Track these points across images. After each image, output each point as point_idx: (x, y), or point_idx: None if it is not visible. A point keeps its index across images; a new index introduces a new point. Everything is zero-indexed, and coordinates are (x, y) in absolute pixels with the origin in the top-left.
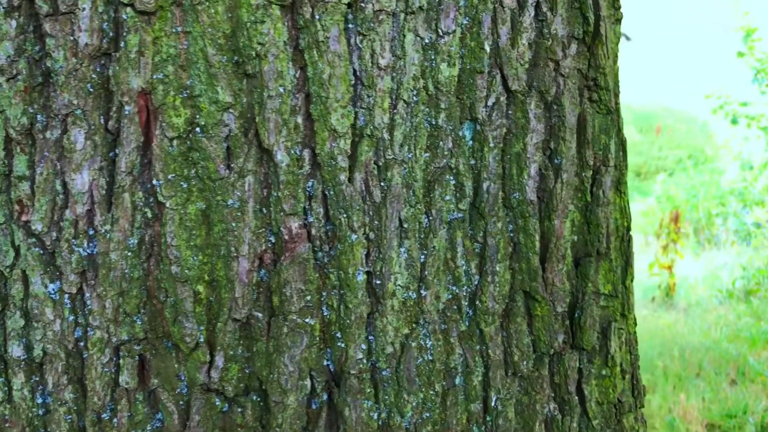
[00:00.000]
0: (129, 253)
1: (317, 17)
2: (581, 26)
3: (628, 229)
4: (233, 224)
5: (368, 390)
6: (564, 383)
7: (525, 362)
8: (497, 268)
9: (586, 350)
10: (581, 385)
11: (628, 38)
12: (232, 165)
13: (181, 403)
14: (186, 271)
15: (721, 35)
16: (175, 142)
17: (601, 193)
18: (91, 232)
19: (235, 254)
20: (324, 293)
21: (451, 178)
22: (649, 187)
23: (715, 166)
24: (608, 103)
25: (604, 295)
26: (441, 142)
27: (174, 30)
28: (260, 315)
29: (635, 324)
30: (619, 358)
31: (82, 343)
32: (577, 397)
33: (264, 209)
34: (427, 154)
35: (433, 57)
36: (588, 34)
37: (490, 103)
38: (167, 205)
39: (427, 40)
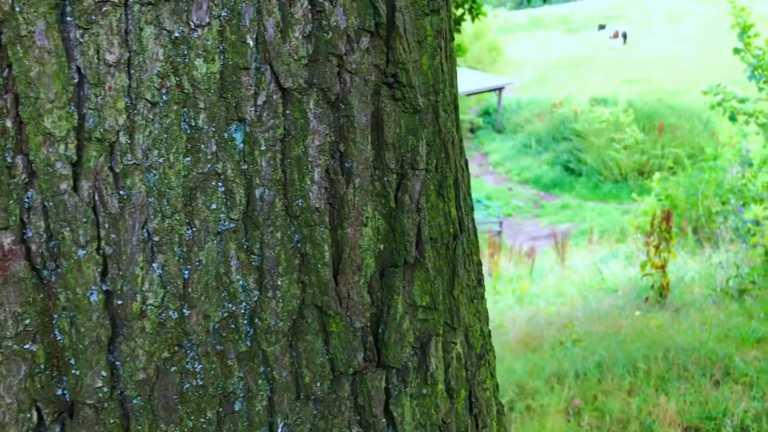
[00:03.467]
0: None
1: (17, 9)
2: (372, 17)
3: (456, 235)
4: None
5: (111, 421)
6: (368, 405)
7: (319, 384)
8: (279, 282)
9: (395, 368)
10: (389, 406)
11: (625, 40)
12: None
13: None
14: None
15: (725, 31)
16: None
17: (407, 199)
18: None
19: None
20: (55, 316)
21: (219, 184)
22: (650, 185)
23: (717, 163)
24: (414, 101)
25: (422, 308)
26: (203, 146)
27: None
28: None
29: (483, 336)
30: (442, 376)
31: None
32: (385, 420)
33: None
34: (188, 159)
35: (186, 52)
36: (381, 27)
37: (260, 102)
38: None
39: (177, 34)
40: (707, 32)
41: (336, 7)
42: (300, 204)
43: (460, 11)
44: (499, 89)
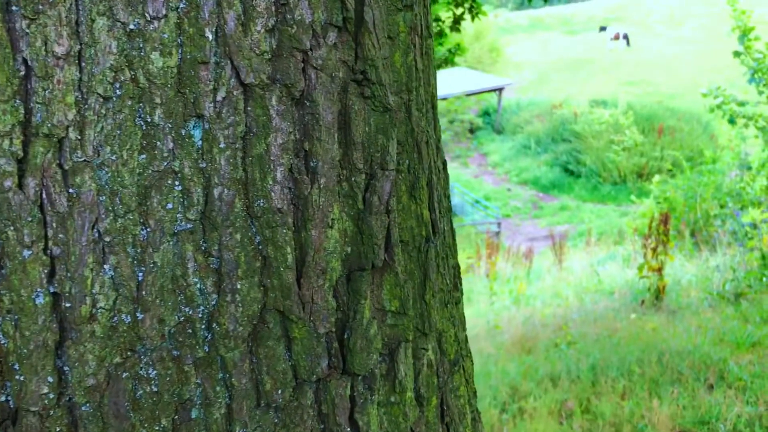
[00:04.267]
0: None
1: None
2: (340, 12)
3: (428, 238)
4: None
5: (57, 429)
6: (332, 413)
7: (280, 391)
8: (238, 286)
9: (361, 375)
10: (355, 414)
11: (628, 42)
12: None
13: None
14: None
15: (725, 34)
16: None
17: (376, 200)
18: None
19: None
20: None
21: (176, 183)
22: (649, 187)
23: (716, 166)
24: (384, 99)
25: (391, 313)
26: (159, 142)
27: None
28: None
29: (458, 342)
30: (411, 383)
31: None
32: (349, 429)
33: None
34: (143, 156)
35: (141, 45)
36: (349, 21)
37: (219, 98)
38: None
39: (132, 26)
40: (707, 35)
41: (301, 1)
42: (261, 204)
43: (460, 10)
44: (499, 90)
